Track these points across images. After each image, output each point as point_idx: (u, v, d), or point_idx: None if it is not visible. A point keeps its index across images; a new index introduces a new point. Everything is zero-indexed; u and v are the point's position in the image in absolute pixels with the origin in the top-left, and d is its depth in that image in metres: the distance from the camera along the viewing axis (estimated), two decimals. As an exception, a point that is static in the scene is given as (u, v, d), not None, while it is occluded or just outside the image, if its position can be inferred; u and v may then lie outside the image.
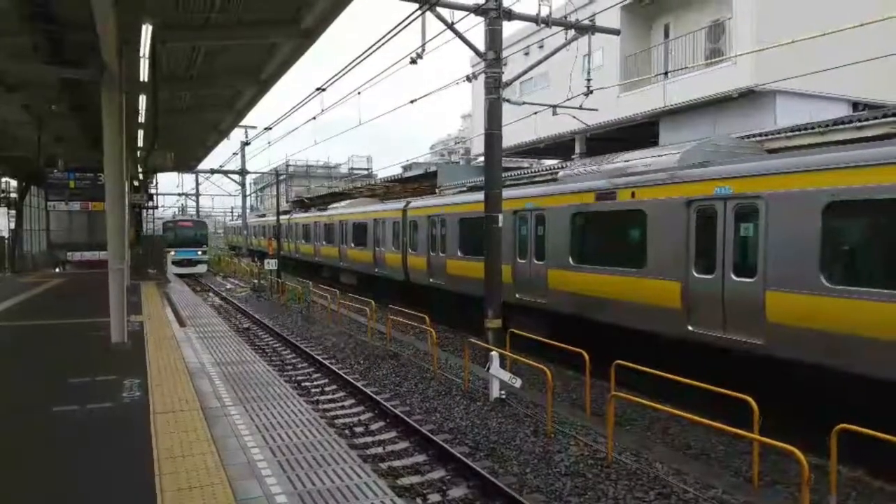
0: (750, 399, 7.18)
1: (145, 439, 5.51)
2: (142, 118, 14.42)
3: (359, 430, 9.46)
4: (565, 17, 14.66)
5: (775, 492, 7.11)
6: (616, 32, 14.82)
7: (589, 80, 13.83)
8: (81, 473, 4.85)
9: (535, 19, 12.74)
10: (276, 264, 29.03)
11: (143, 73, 10.65)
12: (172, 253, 32.85)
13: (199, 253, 37.14)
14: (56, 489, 4.57)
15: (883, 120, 10.87)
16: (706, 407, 8.04)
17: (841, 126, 11.45)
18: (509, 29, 17.86)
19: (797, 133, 12.19)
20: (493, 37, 12.26)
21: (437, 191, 24.80)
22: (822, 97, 16.69)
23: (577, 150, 23.44)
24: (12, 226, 28.74)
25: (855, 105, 17.48)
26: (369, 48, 12.50)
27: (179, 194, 51.78)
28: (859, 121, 11.24)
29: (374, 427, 9.58)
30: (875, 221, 7.66)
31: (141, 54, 9.76)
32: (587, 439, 8.58)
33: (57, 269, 25.95)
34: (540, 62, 14.02)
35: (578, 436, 8.71)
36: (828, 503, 6.14)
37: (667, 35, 20.15)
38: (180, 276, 29.90)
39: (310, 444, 5.53)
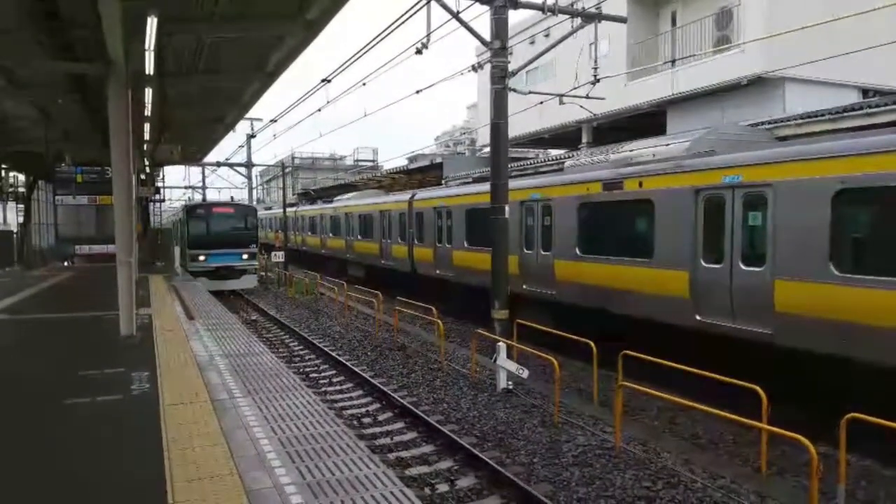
0: (758, 388, 7.16)
1: (155, 431, 5.54)
2: (148, 112, 14.42)
3: (367, 420, 9.51)
4: (572, 5, 14.55)
5: (784, 481, 7.10)
6: (623, 20, 14.69)
7: (596, 68, 13.73)
8: (93, 464, 4.89)
9: (541, 7, 12.64)
10: (283, 257, 29.10)
11: (149, 67, 10.63)
12: (202, 258, 23.27)
13: (246, 257, 23.96)
14: (69, 479, 4.61)
15: (894, 106, 10.74)
16: (715, 396, 8.02)
17: (851, 113, 11.33)
18: (514, 18, 17.73)
19: (807, 120, 12.07)
20: (499, 26, 12.17)
21: (442, 182, 24.76)
22: (832, 84, 16.50)
23: (584, 139, 23.31)
24: (21, 220, 28.91)
25: (865, 92, 17.28)
26: (374, 38, 12.45)
27: (186, 187, 51.74)
28: (869, 107, 11.11)
29: (381, 418, 9.62)
30: (886, 209, 7.59)
31: (146, 47, 9.73)
32: (595, 429, 8.58)
33: (65, 263, 26.10)
34: (546, 51, 13.91)
35: (586, 426, 8.72)
36: (837, 492, 6.11)
37: (674, 22, 19.96)
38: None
39: (318, 435, 5.55)
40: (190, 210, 25.03)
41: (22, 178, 29.03)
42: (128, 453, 5.12)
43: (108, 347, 9.36)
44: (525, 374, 10.07)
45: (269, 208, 53.19)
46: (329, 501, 4.25)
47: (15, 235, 28.21)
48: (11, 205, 30.50)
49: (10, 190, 28.04)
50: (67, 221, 27.63)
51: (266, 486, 4.46)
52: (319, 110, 20.62)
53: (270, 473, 4.68)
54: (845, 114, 11.43)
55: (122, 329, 10.03)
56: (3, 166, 26.39)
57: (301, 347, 15.16)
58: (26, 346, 9.90)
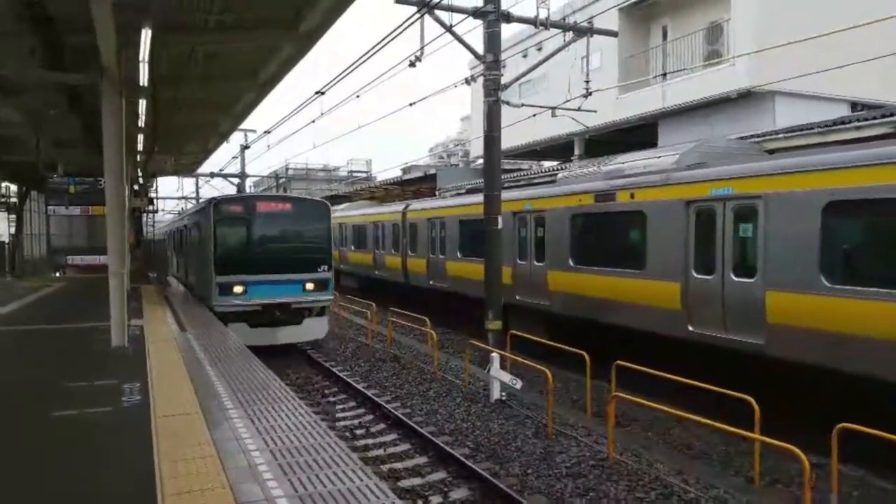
0: (751, 399, 7.18)
1: (146, 443, 5.49)
2: (142, 122, 14.41)
3: (360, 432, 9.46)
4: (564, 20, 14.68)
5: (777, 491, 7.11)
6: (614, 34, 14.85)
7: (587, 81, 13.85)
8: (82, 478, 4.84)
9: (533, 22, 12.76)
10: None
11: (143, 77, 10.65)
12: (238, 289, 13.82)
13: (311, 286, 14.52)
14: (57, 493, 4.56)
15: (882, 120, 10.89)
16: (707, 407, 8.03)
17: (840, 126, 11.47)
18: (507, 31, 17.84)
19: (796, 134, 12.21)
20: (492, 39, 12.27)
21: (436, 193, 24.83)
22: (821, 98, 16.71)
23: (577, 151, 23.46)
24: (12, 231, 28.77)
25: (854, 105, 17.49)
26: (368, 52, 12.51)
27: (179, 198, 51.45)
28: (858, 121, 11.25)
29: (374, 429, 9.57)
30: (874, 221, 7.67)
31: (140, 57, 9.75)
32: (588, 440, 8.57)
33: (57, 274, 25.94)
34: (539, 64, 14.03)
35: (579, 436, 8.71)
36: (829, 503, 6.13)
37: (665, 37, 20.18)
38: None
39: (311, 447, 5.52)
40: (219, 207, 14.61)
41: (14, 188, 28.94)
42: (118, 465, 5.08)
43: (100, 359, 9.28)
44: (518, 384, 10.07)
45: None
46: (321, 513, 4.22)
47: (7, 245, 28.05)
48: (3, 215, 30.38)
49: (3, 200, 27.94)
50: (60, 232, 27.48)
51: (258, 498, 4.42)
52: (314, 122, 20.66)
53: (262, 486, 4.64)
54: (834, 127, 11.57)
55: (113, 340, 9.96)
56: (-5, 176, 26.32)
57: (294, 358, 15.07)
58: (15, 356, 9.81)
